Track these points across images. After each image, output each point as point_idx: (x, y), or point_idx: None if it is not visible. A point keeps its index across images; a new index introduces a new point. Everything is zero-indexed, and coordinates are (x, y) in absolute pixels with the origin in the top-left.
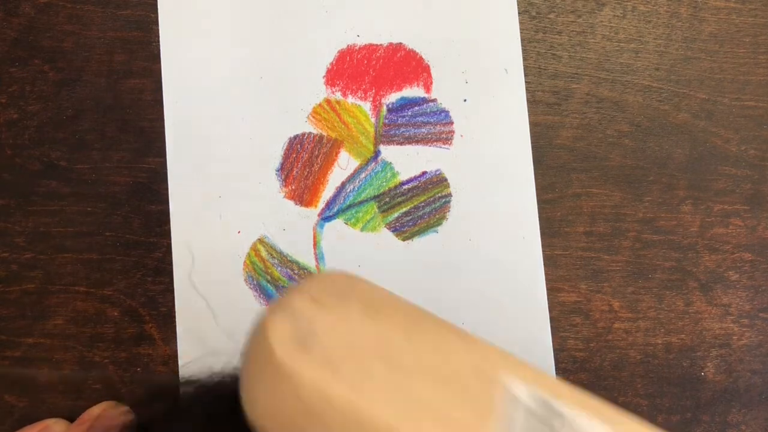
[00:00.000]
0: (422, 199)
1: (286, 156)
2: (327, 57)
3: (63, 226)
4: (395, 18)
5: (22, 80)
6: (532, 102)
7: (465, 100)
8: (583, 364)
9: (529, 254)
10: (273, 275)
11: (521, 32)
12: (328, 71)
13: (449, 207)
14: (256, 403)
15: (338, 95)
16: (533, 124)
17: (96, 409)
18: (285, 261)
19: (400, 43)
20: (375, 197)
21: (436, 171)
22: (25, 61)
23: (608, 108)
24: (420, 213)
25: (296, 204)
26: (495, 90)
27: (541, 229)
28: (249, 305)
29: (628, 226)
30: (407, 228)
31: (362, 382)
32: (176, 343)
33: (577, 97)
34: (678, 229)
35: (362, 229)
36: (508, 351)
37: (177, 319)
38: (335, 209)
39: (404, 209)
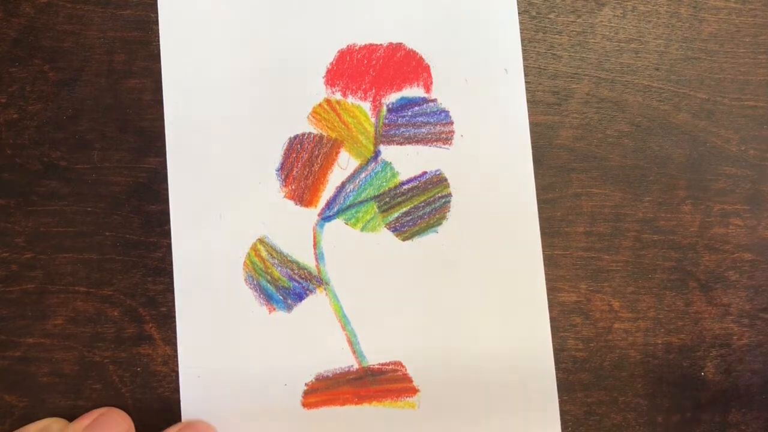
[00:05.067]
0: (422, 199)
1: (286, 156)
2: (327, 57)
3: (63, 226)
4: (395, 18)
5: (22, 80)
6: (532, 102)
7: (465, 100)
8: (583, 364)
9: (529, 254)
10: (273, 275)
11: (521, 32)
12: (328, 71)
13: (449, 207)
14: None
15: (338, 95)
16: (533, 124)
17: (96, 412)
18: (285, 261)
19: (400, 43)
20: (375, 197)
21: (436, 171)
22: (25, 61)
23: (608, 108)
24: (420, 213)
25: (296, 204)
26: (495, 90)
27: (541, 229)
28: (249, 305)
29: (628, 226)
30: (407, 228)
31: None
32: (176, 343)
33: (577, 97)
34: (678, 229)
35: (362, 229)
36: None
37: (177, 319)
38: (335, 209)
39: (404, 209)
